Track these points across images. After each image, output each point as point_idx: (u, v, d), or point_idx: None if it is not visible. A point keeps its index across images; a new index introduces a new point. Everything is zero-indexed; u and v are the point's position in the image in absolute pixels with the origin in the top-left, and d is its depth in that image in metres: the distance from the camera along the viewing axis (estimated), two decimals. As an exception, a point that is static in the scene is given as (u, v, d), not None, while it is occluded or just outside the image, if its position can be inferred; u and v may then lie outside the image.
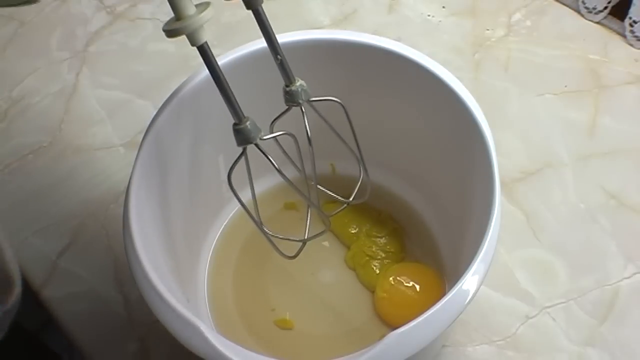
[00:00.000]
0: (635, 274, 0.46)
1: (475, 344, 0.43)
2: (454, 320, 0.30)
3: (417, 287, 0.43)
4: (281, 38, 0.38)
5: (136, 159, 0.36)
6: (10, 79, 0.60)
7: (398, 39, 0.40)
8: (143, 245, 0.33)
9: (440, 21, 0.63)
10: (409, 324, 0.29)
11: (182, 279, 0.41)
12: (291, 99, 0.36)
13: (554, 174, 0.52)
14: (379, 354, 0.28)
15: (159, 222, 0.37)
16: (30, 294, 0.48)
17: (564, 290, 0.46)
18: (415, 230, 0.46)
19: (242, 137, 0.33)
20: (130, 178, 0.35)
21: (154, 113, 0.38)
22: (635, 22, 0.59)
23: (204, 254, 0.46)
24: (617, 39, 0.61)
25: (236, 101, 0.32)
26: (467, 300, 0.30)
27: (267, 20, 0.34)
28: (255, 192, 0.43)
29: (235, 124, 0.33)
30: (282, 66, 0.35)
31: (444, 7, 0.64)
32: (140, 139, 0.37)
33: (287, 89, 0.36)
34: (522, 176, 0.52)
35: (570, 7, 0.63)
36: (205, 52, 0.31)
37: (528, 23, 0.63)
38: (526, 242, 0.48)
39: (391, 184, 0.48)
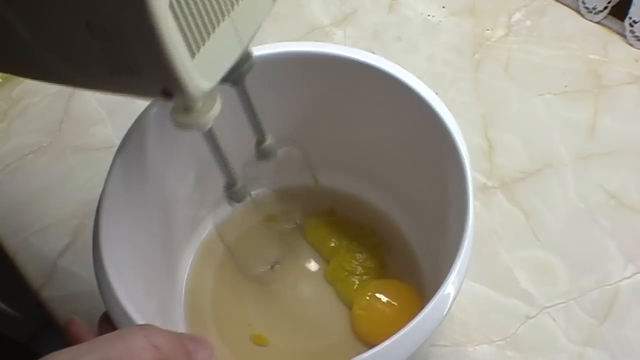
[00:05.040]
0: (635, 274, 0.46)
1: (475, 344, 0.43)
2: (421, 344, 0.29)
3: (394, 305, 0.42)
4: (255, 50, 0.37)
5: (108, 174, 0.35)
6: (10, 79, 0.60)
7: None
8: (112, 261, 0.32)
9: (440, 21, 0.63)
10: (369, 351, 0.28)
11: (158, 295, 0.40)
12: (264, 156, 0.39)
13: (554, 174, 0.52)
14: None
15: (133, 237, 0.36)
16: (30, 294, 0.48)
17: (564, 290, 0.46)
18: (396, 246, 0.46)
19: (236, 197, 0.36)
20: (102, 194, 0.34)
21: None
22: (635, 22, 0.59)
23: (182, 267, 0.45)
24: (617, 39, 0.61)
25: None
26: (432, 329, 0.29)
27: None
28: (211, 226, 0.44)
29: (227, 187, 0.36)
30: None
31: (444, 7, 0.64)
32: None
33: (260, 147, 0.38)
34: (522, 176, 0.52)
35: (570, 7, 0.63)
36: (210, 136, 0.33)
37: (528, 23, 0.63)
38: (526, 242, 0.48)
39: (373, 198, 0.47)
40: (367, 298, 0.42)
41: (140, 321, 0.30)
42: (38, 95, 0.59)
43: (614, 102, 0.56)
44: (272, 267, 0.45)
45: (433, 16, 0.64)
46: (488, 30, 0.62)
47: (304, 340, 0.42)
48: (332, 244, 0.45)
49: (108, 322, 0.31)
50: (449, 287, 0.30)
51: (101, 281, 0.32)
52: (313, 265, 0.45)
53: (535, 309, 0.45)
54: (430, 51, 0.61)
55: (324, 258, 0.46)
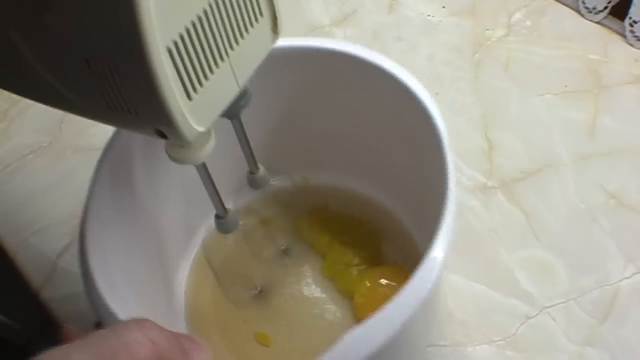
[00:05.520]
0: (635, 274, 0.46)
1: (475, 344, 0.43)
2: (414, 310, 0.29)
3: (395, 287, 0.42)
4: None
5: (93, 180, 0.35)
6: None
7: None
8: (102, 272, 0.31)
9: (440, 21, 0.63)
10: (362, 324, 0.28)
11: (156, 302, 0.40)
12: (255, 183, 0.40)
13: (554, 174, 0.52)
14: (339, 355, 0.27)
15: (124, 245, 0.36)
16: (30, 294, 0.48)
17: (564, 290, 0.46)
18: (391, 233, 0.46)
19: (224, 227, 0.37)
20: (87, 202, 0.34)
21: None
22: (635, 22, 0.59)
23: (182, 271, 0.45)
24: (617, 39, 0.61)
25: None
26: (423, 297, 0.29)
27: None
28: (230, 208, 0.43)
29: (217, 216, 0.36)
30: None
31: (444, 7, 0.64)
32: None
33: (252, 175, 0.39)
34: (522, 176, 0.52)
35: (570, 7, 0.63)
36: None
37: (528, 23, 0.63)
38: (526, 242, 0.48)
39: (363, 189, 0.47)
40: (368, 285, 0.42)
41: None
42: (38, 95, 0.59)
43: (614, 102, 0.56)
44: (259, 292, 0.45)
45: (433, 16, 0.64)
46: (488, 30, 0.62)
47: (308, 336, 0.42)
48: (327, 239, 0.46)
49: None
50: (437, 251, 0.30)
51: (91, 293, 0.31)
52: (310, 262, 0.46)
53: (535, 309, 0.45)
54: (430, 51, 0.61)
55: (320, 253, 0.46)
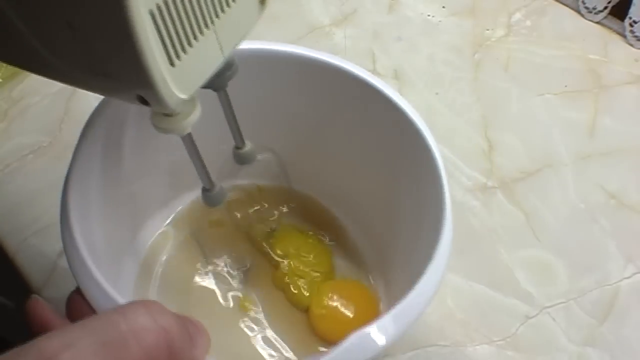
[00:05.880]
0: (635, 274, 0.46)
1: (475, 344, 0.43)
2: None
3: (352, 301, 0.42)
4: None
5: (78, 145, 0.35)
6: (10, 79, 0.60)
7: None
8: (78, 207, 0.31)
9: (440, 21, 0.63)
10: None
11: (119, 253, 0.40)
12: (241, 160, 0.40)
13: (554, 174, 0.52)
14: None
15: (103, 199, 0.36)
16: (30, 294, 0.48)
17: (564, 290, 0.46)
18: (343, 249, 0.45)
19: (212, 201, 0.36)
20: (79, 141, 0.34)
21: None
22: (635, 22, 0.59)
23: (150, 233, 0.45)
24: (617, 39, 0.61)
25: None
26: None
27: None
28: (179, 209, 0.44)
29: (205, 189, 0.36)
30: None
31: (444, 7, 0.64)
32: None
33: (239, 150, 0.39)
34: (522, 176, 0.52)
35: (570, 7, 0.64)
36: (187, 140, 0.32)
37: (528, 23, 0.63)
38: (526, 242, 0.48)
39: (321, 202, 0.47)
40: (326, 297, 0.42)
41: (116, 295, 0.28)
42: (38, 95, 0.59)
43: (614, 102, 0.56)
44: (245, 270, 0.44)
45: (433, 16, 0.64)
46: (488, 30, 0.62)
47: (259, 347, 0.41)
48: (280, 251, 0.45)
49: (78, 294, 0.29)
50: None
51: (69, 246, 0.31)
52: (261, 272, 0.45)
53: (535, 309, 0.45)
54: (430, 51, 0.61)
55: (272, 264, 0.45)
